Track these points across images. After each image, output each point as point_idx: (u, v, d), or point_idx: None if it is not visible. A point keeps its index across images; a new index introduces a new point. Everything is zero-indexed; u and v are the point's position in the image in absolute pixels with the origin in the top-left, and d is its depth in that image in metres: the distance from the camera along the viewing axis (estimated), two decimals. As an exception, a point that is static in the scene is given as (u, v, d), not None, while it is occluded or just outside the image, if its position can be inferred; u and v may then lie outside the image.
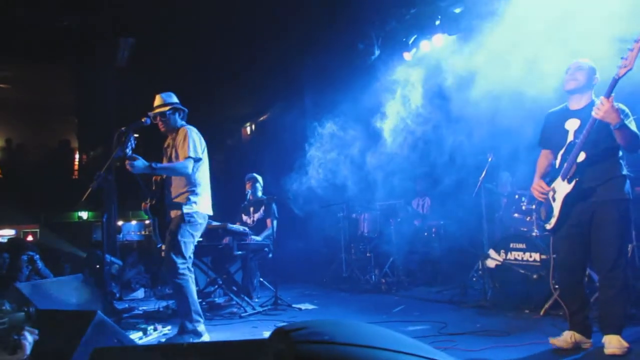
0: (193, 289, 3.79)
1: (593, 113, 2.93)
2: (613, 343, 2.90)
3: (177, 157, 3.88)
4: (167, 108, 3.95)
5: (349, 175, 7.79)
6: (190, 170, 3.79)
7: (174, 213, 3.83)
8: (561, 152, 3.28)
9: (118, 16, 8.25)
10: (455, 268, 6.13)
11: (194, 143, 3.85)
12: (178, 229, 3.74)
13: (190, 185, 3.85)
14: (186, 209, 3.79)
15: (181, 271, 3.71)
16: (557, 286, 4.20)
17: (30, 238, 14.39)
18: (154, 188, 3.88)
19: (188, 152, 3.79)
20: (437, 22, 7.18)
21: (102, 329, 2.22)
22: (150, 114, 3.94)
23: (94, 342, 2.15)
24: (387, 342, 0.82)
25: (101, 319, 2.23)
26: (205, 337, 3.79)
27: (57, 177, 14.03)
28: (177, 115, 4.02)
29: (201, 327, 3.79)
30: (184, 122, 4.07)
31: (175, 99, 4.06)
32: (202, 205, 3.91)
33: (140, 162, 3.57)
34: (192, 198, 3.84)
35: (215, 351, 1.35)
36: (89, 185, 3.52)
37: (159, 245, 3.99)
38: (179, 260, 3.70)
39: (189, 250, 3.80)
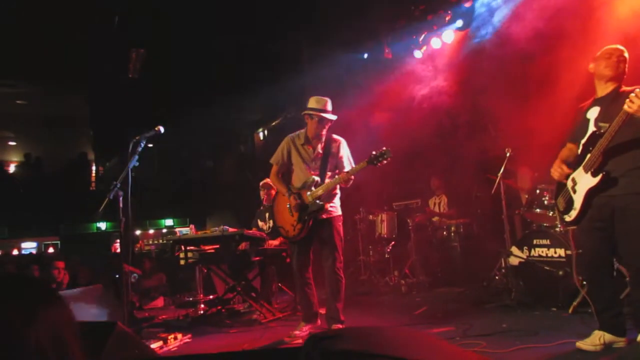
0: None
1: (626, 106, 2.76)
2: (650, 341, 2.78)
3: (338, 166, 4.26)
4: (333, 117, 4.21)
5: (365, 177, 7.69)
6: None
7: (327, 215, 4.17)
8: (583, 141, 3.16)
9: (129, 28, 8.31)
10: (477, 267, 5.99)
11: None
12: (339, 229, 4.23)
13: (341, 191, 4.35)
14: (340, 211, 4.29)
15: (341, 265, 4.20)
16: (584, 282, 4.09)
17: (51, 250, 14.59)
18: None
19: (353, 162, 4.26)
20: (448, 18, 7.10)
21: (123, 340, 2.18)
22: (315, 113, 4.15)
23: (115, 354, 2.12)
24: (430, 352, 0.74)
25: (121, 330, 2.19)
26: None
27: (75, 189, 14.22)
28: None
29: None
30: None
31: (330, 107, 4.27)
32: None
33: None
34: (338, 202, 4.32)
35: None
36: (106, 195, 3.50)
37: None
38: (339, 258, 4.19)
39: None
